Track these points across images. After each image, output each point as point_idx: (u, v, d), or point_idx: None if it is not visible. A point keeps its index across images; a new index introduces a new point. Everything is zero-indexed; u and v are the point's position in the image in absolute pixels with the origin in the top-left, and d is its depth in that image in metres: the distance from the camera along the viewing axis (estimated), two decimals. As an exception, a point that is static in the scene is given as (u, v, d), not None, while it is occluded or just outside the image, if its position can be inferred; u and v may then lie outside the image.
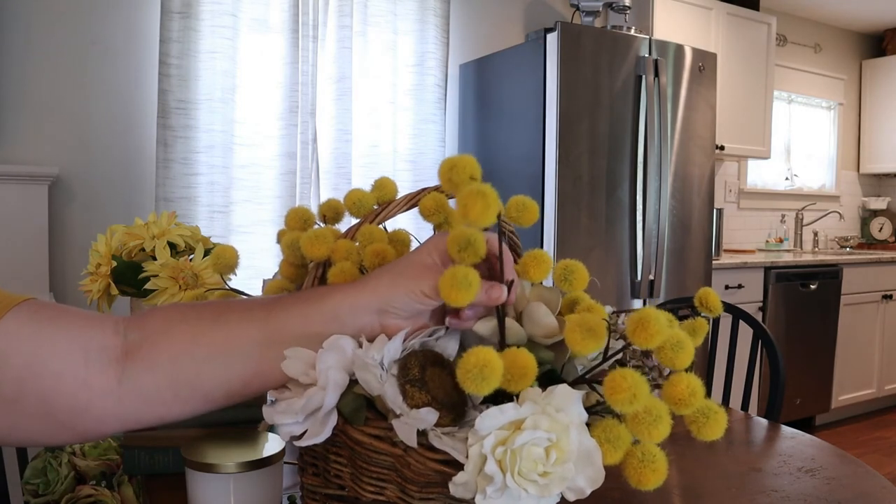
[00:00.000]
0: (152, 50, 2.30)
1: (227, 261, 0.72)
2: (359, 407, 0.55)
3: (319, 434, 0.54)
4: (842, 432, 3.65)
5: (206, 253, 0.93)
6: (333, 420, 0.54)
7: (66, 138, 2.24)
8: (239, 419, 0.90)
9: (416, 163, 2.75)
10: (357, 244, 0.64)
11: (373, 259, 0.62)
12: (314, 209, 0.70)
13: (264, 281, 0.75)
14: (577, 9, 2.95)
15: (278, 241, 0.74)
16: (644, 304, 2.67)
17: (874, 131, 4.61)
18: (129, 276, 0.91)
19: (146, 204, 2.34)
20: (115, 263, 0.92)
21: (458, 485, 0.49)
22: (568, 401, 0.51)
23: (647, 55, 2.64)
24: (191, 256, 0.93)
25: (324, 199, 2.83)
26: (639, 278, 2.65)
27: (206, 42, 2.28)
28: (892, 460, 3.22)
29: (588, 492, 0.50)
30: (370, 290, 0.54)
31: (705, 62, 2.82)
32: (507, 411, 0.49)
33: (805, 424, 3.65)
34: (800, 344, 3.44)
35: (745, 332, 1.77)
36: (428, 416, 0.51)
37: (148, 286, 0.88)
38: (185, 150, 2.26)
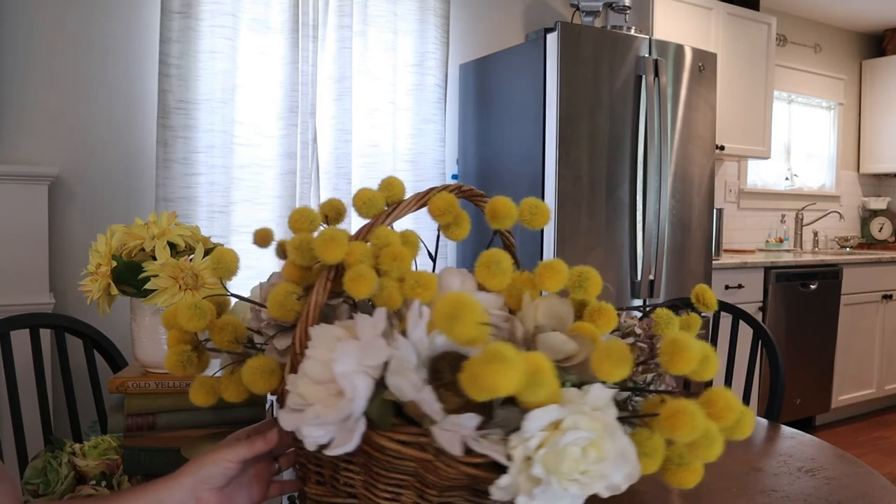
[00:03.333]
0: (152, 50, 2.30)
1: (227, 265, 0.70)
2: (386, 412, 0.53)
3: (348, 442, 0.52)
4: (842, 432, 3.65)
5: (207, 253, 0.93)
6: (362, 427, 0.53)
7: (66, 138, 2.24)
8: (239, 419, 0.90)
9: (416, 163, 2.75)
10: (369, 246, 0.63)
11: (390, 262, 0.60)
12: (314, 209, 0.68)
13: (261, 285, 0.74)
14: (577, 9, 2.95)
15: (277, 254, 0.73)
16: (644, 304, 2.67)
17: (874, 131, 4.61)
18: (129, 276, 0.91)
19: (146, 204, 2.34)
20: (115, 263, 0.92)
21: (502, 488, 0.49)
22: (603, 400, 0.51)
23: (647, 55, 2.64)
24: (191, 256, 0.93)
25: (324, 199, 2.81)
26: (639, 278, 2.65)
27: (206, 42, 2.28)
28: (891, 460, 3.22)
29: (624, 488, 0.50)
30: (189, 471, 0.65)
31: (705, 62, 2.82)
32: (552, 412, 0.49)
33: (805, 424, 3.65)
34: (800, 344, 3.44)
35: (745, 332, 1.77)
36: (469, 422, 0.50)
37: (148, 286, 0.88)
38: (185, 150, 2.26)
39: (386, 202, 0.68)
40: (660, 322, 0.64)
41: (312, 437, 0.53)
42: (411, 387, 0.52)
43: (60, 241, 2.23)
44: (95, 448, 0.90)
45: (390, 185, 0.69)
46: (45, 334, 1.79)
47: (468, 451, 0.51)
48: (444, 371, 0.53)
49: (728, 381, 1.66)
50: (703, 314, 0.68)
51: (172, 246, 0.93)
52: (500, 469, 0.51)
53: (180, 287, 0.88)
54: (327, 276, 0.60)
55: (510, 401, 0.52)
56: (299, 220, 0.66)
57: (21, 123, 2.17)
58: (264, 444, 0.66)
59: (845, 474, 0.93)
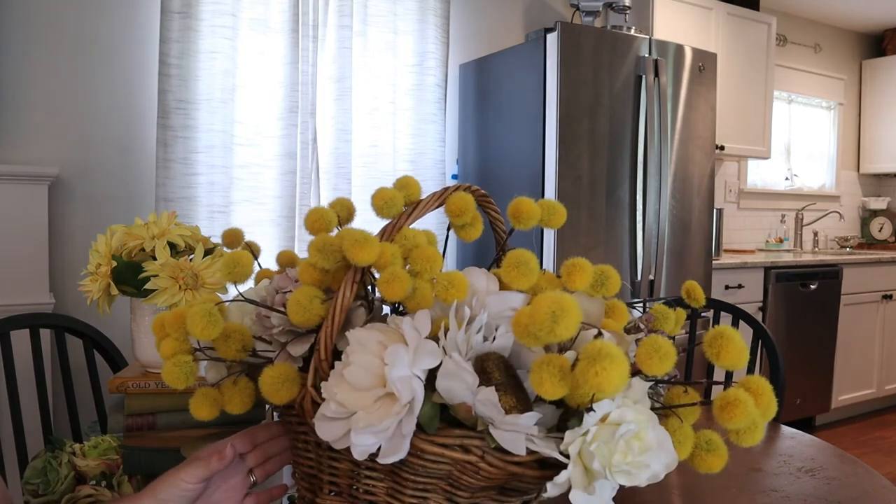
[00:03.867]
0: (152, 50, 2.30)
1: (243, 269, 0.66)
2: (435, 415, 0.53)
3: (400, 449, 0.51)
4: (842, 432, 3.65)
5: (207, 253, 0.93)
6: (411, 432, 0.51)
7: (66, 138, 2.24)
8: (239, 419, 0.90)
9: (416, 163, 2.75)
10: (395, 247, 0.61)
11: (423, 263, 0.58)
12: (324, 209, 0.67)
13: (257, 288, 0.73)
14: (577, 9, 2.95)
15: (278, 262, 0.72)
16: (644, 304, 2.66)
17: (874, 131, 4.61)
18: (129, 276, 0.91)
19: (146, 204, 2.34)
20: (115, 263, 0.92)
21: (558, 484, 0.49)
22: (641, 392, 0.52)
23: (647, 55, 2.64)
24: (191, 256, 0.93)
25: (324, 199, 2.80)
26: (639, 278, 2.65)
27: (206, 42, 2.28)
28: (892, 460, 3.22)
29: (662, 476, 0.51)
30: (149, 493, 0.64)
31: (705, 62, 2.82)
32: (605, 406, 0.50)
33: (805, 424, 3.65)
34: (800, 344, 3.44)
35: (745, 332, 1.76)
36: (528, 421, 0.50)
37: (148, 286, 0.88)
38: (185, 150, 2.26)
39: (405, 201, 0.66)
40: (659, 317, 0.65)
41: (364, 445, 0.51)
42: (466, 389, 0.51)
43: (60, 241, 2.23)
44: (95, 448, 0.90)
45: (407, 185, 0.67)
46: (45, 334, 1.79)
47: (508, 451, 0.51)
48: (493, 371, 0.52)
49: (728, 380, 1.66)
50: (703, 314, 0.69)
51: (172, 246, 0.93)
52: (542, 466, 0.52)
53: (180, 287, 0.88)
54: (353, 277, 0.57)
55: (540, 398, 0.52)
56: (318, 220, 0.63)
57: (21, 123, 2.17)
58: (218, 462, 0.65)
59: (845, 474, 0.93)
